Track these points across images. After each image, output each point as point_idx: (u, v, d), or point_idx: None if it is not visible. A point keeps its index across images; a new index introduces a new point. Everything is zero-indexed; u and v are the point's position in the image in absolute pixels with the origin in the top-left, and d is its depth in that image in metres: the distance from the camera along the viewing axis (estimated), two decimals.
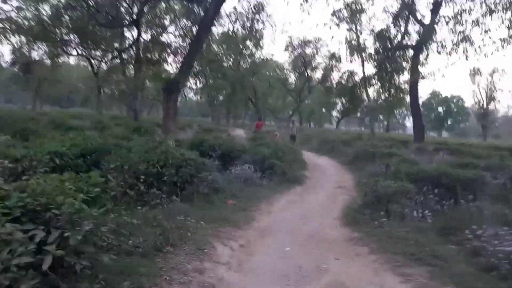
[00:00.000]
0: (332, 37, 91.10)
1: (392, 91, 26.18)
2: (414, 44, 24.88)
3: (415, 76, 24.56)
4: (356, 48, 28.67)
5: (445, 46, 23.08)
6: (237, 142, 12.35)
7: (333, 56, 49.85)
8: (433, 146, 18.74)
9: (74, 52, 32.13)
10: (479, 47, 22.57)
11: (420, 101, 50.10)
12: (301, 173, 11.69)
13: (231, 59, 47.82)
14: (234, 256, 4.80)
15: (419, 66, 24.57)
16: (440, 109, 66.74)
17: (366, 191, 6.86)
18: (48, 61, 37.42)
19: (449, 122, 67.13)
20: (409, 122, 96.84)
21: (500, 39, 21.98)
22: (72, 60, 47.50)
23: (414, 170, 7.88)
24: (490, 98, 51.07)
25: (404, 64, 26.72)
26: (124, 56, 23.28)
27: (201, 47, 16.10)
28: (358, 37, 29.07)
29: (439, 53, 23.76)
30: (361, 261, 4.85)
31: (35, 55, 36.43)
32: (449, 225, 5.70)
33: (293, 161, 12.05)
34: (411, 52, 25.95)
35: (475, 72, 50.13)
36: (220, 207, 6.85)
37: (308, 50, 51.58)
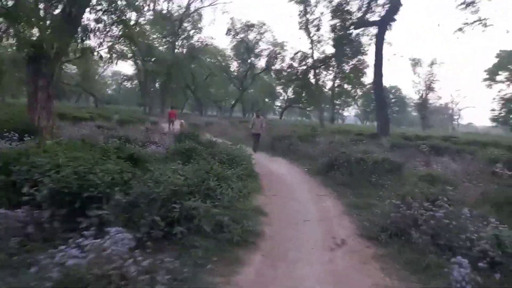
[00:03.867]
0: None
1: (352, 75, 21.16)
2: (378, 19, 20.00)
3: (379, 57, 19.75)
4: (307, 26, 23.13)
5: None
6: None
7: (278, 44, 44.68)
8: (421, 143, 13.86)
9: None
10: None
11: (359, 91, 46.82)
12: (253, 210, 5.77)
13: (166, 42, 40.40)
14: None
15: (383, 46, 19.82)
16: None
17: None
18: None
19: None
20: (347, 112, 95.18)
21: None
22: None
23: None
24: (429, 88, 49.14)
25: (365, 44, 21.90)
26: None
27: None
28: (306, 12, 23.46)
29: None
30: None
31: None
32: None
33: (242, 188, 5.99)
34: (373, 31, 21.16)
35: (416, 62, 47.71)
36: None
37: (252, 36, 45.72)
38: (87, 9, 10.85)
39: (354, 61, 21.39)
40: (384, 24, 19.92)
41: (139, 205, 4.00)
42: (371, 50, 21.19)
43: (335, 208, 6.66)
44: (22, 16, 9.67)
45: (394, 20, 20.13)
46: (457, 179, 6.63)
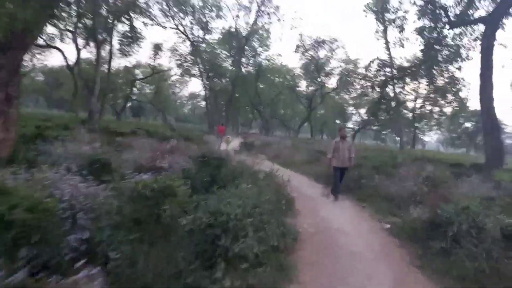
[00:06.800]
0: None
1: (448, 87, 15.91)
2: (486, 15, 14.69)
3: (488, 64, 14.35)
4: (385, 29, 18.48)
5: None
6: None
7: (351, 61, 40.05)
8: None
9: None
10: None
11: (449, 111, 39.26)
12: None
13: (232, 60, 38.35)
14: None
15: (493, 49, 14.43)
16: (468, 124, 54.17)
17: None
18: None
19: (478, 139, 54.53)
20: (427, 137, 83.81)
21: None
22: None
23: None
24: None
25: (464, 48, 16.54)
26: None
27: None
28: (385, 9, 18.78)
29: None
30: None
31: None
32: None
33: None
34: (476, 31, 15.82)
35: None
36: None
37: (322, 53, 41.64)
38: None
39: (450, 70, 16.17)
40: (494, 20, 14.51)
41: None
42: (474, 56, 15.78)
43: None
44: None
45: (509, 14, 14.72)
46: None
